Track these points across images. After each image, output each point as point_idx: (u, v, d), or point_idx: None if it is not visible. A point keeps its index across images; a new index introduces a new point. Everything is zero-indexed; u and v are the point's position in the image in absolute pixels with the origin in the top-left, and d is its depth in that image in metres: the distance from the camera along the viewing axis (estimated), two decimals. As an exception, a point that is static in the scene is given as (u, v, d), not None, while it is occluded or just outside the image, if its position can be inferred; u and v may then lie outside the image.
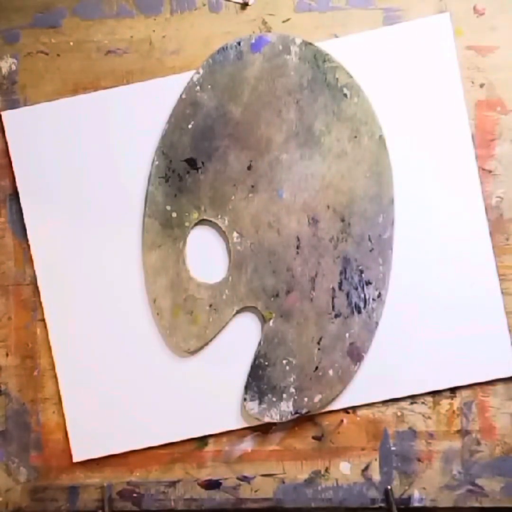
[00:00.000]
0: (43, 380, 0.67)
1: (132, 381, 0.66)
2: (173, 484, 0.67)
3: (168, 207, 0.66)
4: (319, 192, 0.65)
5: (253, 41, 0.65)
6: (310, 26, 0.66)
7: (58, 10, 0.67)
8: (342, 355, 0.64)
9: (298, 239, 0.65)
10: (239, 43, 0.65)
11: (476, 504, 0.65)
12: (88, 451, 0.66)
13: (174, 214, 0.66)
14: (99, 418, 0.66)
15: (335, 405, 0.65)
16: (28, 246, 0.67)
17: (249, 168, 0.66)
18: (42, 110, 0.67)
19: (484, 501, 0.65)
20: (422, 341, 0.65)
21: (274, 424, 0.66)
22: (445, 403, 0.65)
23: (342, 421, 0.66)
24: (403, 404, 0.65)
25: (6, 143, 0.67)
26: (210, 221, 0.66)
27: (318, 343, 0.64)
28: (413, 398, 0.65)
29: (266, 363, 0.65)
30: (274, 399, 0.65)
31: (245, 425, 0.66)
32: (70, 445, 0.66)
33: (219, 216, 0.66)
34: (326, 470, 0.66)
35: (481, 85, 0.66)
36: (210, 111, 0.66)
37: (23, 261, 0.67)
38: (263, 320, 0.65)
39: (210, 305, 0.66)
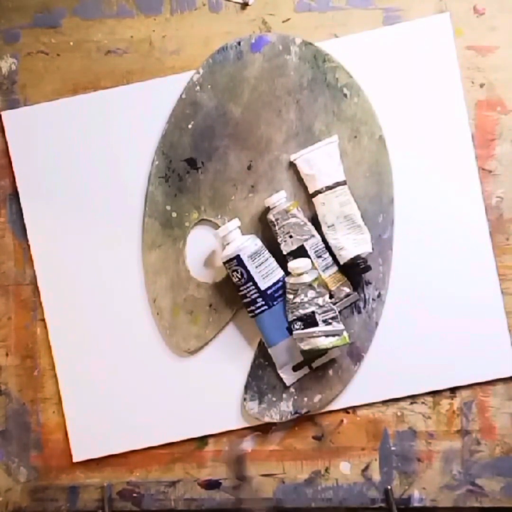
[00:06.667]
0: (43, 380, 0.67)
1: (132, 381, 0.66)
2: (173, 484, 0.67)
3: (168, 207, 0.66)
4: (319, 192, 0.65)
5: (253, 41, 0.65)
6: (310, 26, 0.66)
7: (58, 10, 0.67)
8: (342, 355, 0.64)
9: (298, 239, 0.65)
10: (239, 43, 0.65)
11: (476, 504, 0.65)
12: (88, 451, 0.66)
13: (174, 214, 0.66)
14: (99, 418, 0.66)
15: (335, 405, 0.65)
16: (28, 246, 0.67)
17: (249, 168, 0.66)
18: (42, 110, 0.67)
19: (484, 501, 0.65)
20: (422, 341, 0.65)
21: (274, 424, 0.66)
22: (445, 403, 0.65)
23: (342, 421, 0.66)
24: (403, 404, 0.65)
25: (6, 143, 0.67)
26: (210, 221, 0.66)
27: (318, 343, 0.64)
28: (413, 398, 0.65)
29: (266, 363, 0.65)
30: (274, 399, 0.65)
31: (245, 425, 0.66)
32: (70, 445, 0.66)
33: (219, 216, 0.66)
34: (326, 470, 0.66)
35: (481, 85, 0.66)
36: (210, 111, 0.66)
37: (23, 261, 0.67)
38: (263, 320, 0.65)
39: (210, 305, 0.66)
